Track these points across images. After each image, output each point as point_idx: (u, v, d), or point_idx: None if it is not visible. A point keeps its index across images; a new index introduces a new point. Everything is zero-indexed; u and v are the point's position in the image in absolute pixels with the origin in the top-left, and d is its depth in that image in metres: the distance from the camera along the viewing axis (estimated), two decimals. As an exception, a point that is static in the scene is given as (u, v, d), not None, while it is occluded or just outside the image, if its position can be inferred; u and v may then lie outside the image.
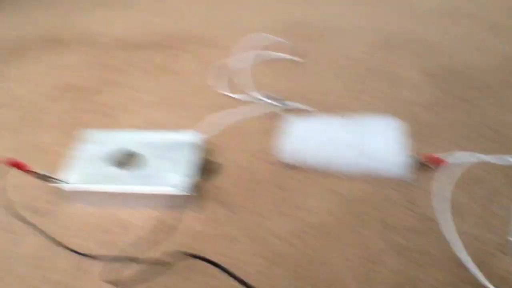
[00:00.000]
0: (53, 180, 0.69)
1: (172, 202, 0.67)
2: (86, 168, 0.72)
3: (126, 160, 0.73)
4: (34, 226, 0.68)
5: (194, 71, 1.04)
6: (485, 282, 0.57)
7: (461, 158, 0.74)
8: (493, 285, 0.57)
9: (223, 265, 0.59)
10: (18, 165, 0.64)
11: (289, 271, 0.60)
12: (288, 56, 1.05)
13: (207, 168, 0.62)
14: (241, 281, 0.55)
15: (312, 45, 1.09)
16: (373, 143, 0.74)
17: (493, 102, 0.88)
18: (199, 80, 1.00)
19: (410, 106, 0.88)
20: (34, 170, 0.66)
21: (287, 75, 0.99)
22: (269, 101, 0.89)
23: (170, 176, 0.69)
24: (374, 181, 0.72)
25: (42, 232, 0.67)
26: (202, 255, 0.60)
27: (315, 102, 0.89)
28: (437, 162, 0.74)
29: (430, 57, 1.03)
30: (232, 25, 1.24)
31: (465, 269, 0.59)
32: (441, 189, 0.70)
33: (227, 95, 0.94)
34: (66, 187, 0.69)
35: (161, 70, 1.06)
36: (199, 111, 0.90)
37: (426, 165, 0.74)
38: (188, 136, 0.77)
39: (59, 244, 0.65)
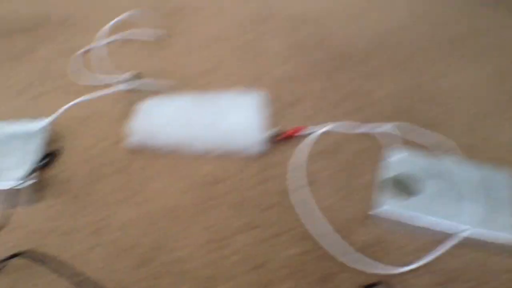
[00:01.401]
0: None
1: (6, 197, 0.60)
2: None
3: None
4: None
5: (52, 57, 0.95)
6: (347, 254, 0.55)
7: (321, 129, 0.72)
8: (357, 256, 0.56)
9: (56, 260, 0.54)
10: None
11: (135, 259, 0.56)
12: (149, 36, 0.99)
13: (49, 157, 0.59)
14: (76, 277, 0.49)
15: (175, 23, 1.04)
16: (229, 119, 0.70)
17: (357, 71, 0.88)
18: (57, 67, 0.91)
19: (273, 79, 0.85)
20: None
21: (148, 54, 0.94)
22: (125, 82, 0.83)
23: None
24: (227, 159, 0.68)
25: None
26: (37, 252, 0.55)
27: (175, 81, 0.84)
28: (296, 136, 0.71)
29: (295, 30, 1.02)
30: (97, 6, 1.15)
31: (320, 244, 0.57)
32: (299, 163, 0.68)
33: (85, 81, 0.86)
34: None
35: (21, 58, 0.96)
36: (52, 99, 0.82)
37: (284, 139, 0.71)
38: (31, 126, 0.71)
39: None
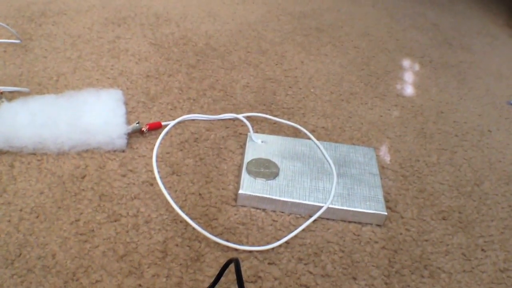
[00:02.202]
0: None
1: None
2: None
3: None
4: None
5: None
6: (212, 236, 0.57)
7: (177, 120, 0.75)
8: (223, 237, 0.58)
9: None
10: None
11: (2, 257, 0.54)
12: (7, 40, 0.94)
13: None
14: None
15: (36, 28, 1.00)
16: (89, 116, 0.70)
17: (217, 65, 0.92)
18: None
19: (133, 77, 0.86)
20: None
21: (7, 60, 0.89)
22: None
23: None
24: (91, 155, 0.68)
25: None
26: None
27: (34, 85, 0.81)
28: (158, 128, 0.73)
29: (157, 29, 1.03)
30: None
31: (191, 227, 0.59)
32: (163, 153, 0.70)
33: None
34: None
35: None
36: None
37: (147, 132, 0.72)
38: None
39: None
